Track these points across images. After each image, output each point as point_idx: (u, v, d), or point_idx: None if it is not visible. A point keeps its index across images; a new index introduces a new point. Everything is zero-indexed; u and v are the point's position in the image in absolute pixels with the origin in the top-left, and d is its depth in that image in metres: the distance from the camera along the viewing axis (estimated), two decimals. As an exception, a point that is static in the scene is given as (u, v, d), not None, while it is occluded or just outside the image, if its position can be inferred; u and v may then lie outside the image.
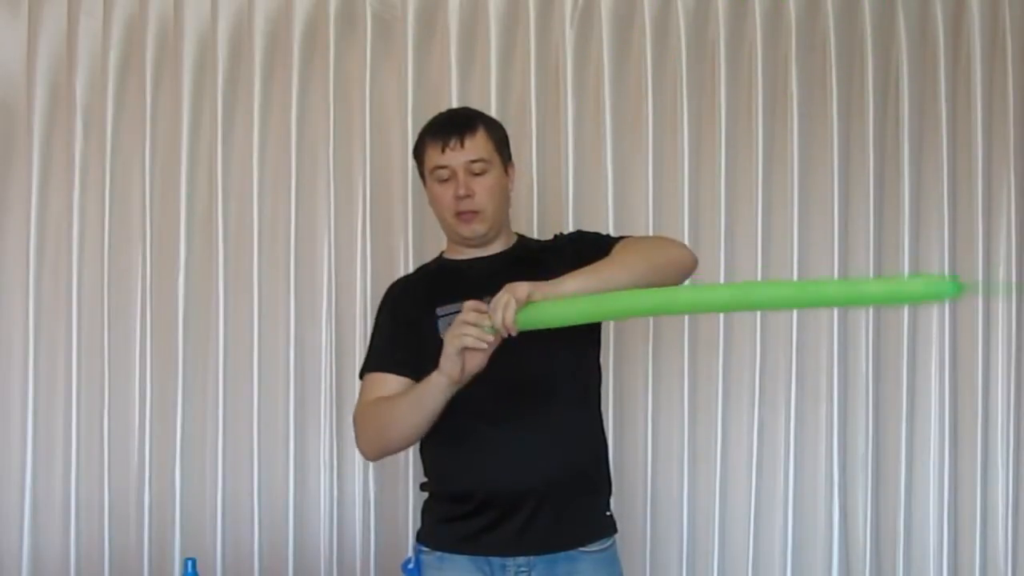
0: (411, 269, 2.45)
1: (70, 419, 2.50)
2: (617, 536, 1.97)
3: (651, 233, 2.57)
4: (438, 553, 1.90)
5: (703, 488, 2.63)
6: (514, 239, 2.01)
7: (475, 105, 2.38)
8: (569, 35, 2.61)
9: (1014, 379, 2.71)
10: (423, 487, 1.96)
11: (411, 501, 2.52)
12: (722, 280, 2.60)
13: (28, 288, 2.50)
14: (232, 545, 2.51)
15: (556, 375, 1.86)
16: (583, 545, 1.88)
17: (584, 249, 1.90)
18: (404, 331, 1.91)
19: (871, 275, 2.64)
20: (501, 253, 1.97)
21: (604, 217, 2.61)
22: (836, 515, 2.65)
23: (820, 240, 2.67)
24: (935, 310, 2.69)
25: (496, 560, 1.86)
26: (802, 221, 2.66)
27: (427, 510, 1.96)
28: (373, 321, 1.99)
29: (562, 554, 1.86)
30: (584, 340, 1.92)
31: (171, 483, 2.51)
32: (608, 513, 1.95)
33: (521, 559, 1.85)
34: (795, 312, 2.63)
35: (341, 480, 2.56)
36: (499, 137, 1.95)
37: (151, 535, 2.50)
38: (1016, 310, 2.71)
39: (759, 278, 2.62)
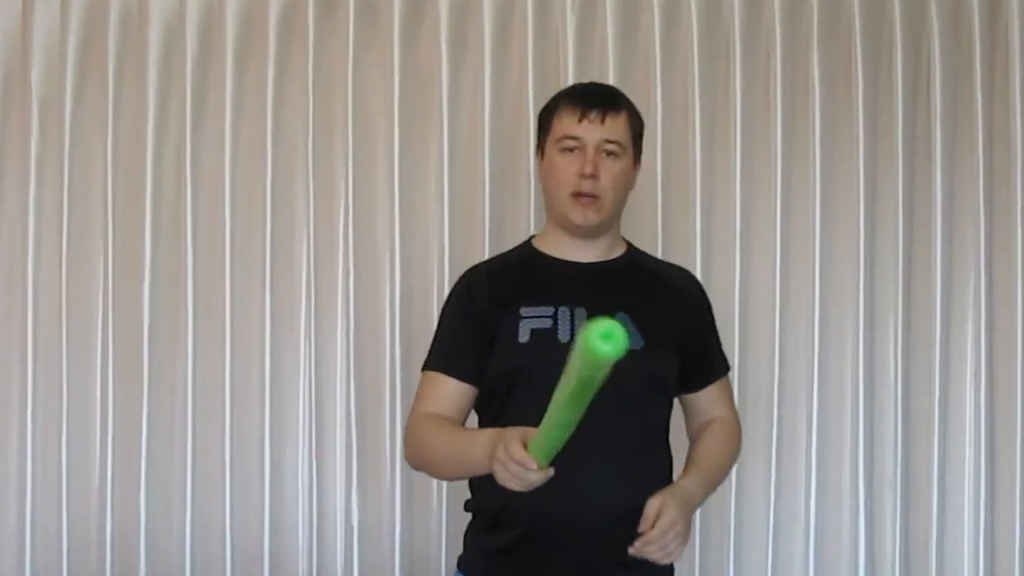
0: (398, 275, 2.48)
1: (24, 439, 2.45)
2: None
3: (661, 223, 2.56)
4: None
5: (715, 514, 2.52)
6: (622, 247, 1.93)
7: (467, 97, 2.50)
8: (570, 20, 2.55)
9: (1056, 392, 2.64)
10: (467, 506, 1.89)
11: (398, 525, 2.49)
12: (737, 291, 2.56)
13: (-22, 295, 2.48)
14: (202, 575, 2.47)
15: (635, 409, 1.78)
16: None
17: (700, 339, 1.93)
18: (474, 329, 1.83)
19: (899, 281, 2.60)
20: (609, 262, 1.88)
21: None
22: (862, 544, 2.58)
23: (844, 243, 2.60)
24: (969, 315, 2.63)
25: None
26: (824, 223, 2.59)
27: (469, 534, 1.89)
28: (441, 311, 1.92)
29: None
30: (672, 381, 1.87)
31: (135, 508, 2.46)
32: None
33: None
34: (816, 316, 2.57)
35: (321, 503, 2.50)
36: (638, 128, 1.89)
37: (113, 565, 2.45)
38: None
39: (777, 284, 2.58)
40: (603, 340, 1.24)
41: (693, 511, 1.77)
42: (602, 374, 1.31)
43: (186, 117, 2.47)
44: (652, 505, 1.69)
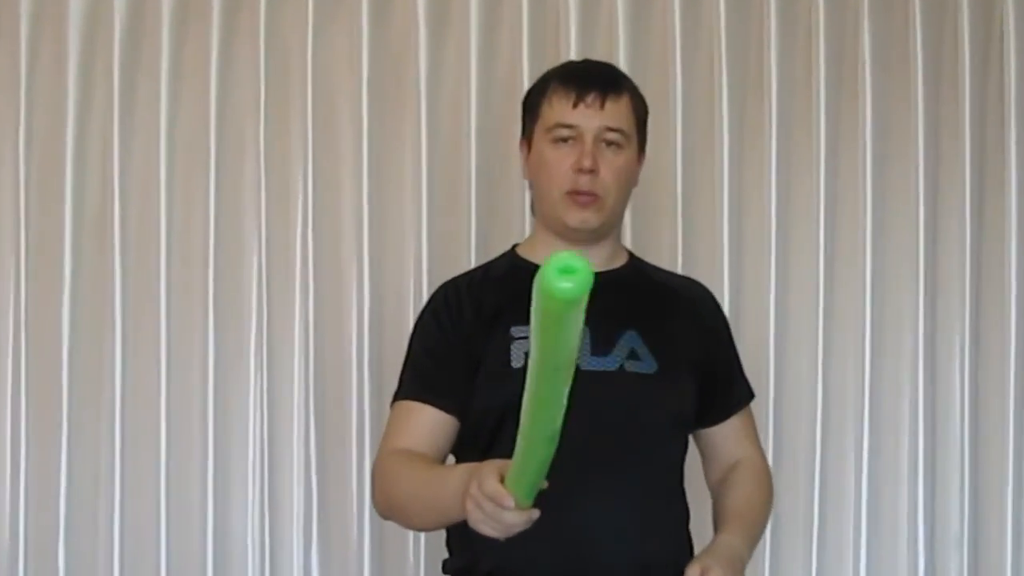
0: (367, 287, 2.37)
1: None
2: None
3: (681, 228, 2.45)
4: None
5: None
6: (624, 256, 1.87)
7: (451, 76, 2.41)
8: (573, -12, 2.47)
9: None
10: (445, 567, 1.78)
11: (366, 590, 2.41)
12: (772, 311, 2.44)
13: None
14: (131, 646, 2.38)
15: (649, 445, 1.69)
16: None
17: (720, 361, 1.84)
18: (458, 350, 1.74)
19: (966, 300, 2.49)
20: (611, 272, 1.79)
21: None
22: (923, 612, 2.47)
23: (900, 255, 2.50)
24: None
25: None
26: (876, 231, 2.48)
27: None
28: (412, 332, 1.82)
29: None
30: (690, 411, 1.78)
31: (53, 567, 2.32)
32: None
33: None
34: (867, 342, 2.44)
35: (275, 562, 2.35)
36: (642, 113, 1.80)
37: (27, 633, 2.36)
38: None
39: (820, 303, 2.47)
40: (560, 275, 1.08)
41: (743, 569, 1.65)
42: (569, 334, 1.16)
43: (113, 100, 2.32)
44: (692, 570, 1.58)
